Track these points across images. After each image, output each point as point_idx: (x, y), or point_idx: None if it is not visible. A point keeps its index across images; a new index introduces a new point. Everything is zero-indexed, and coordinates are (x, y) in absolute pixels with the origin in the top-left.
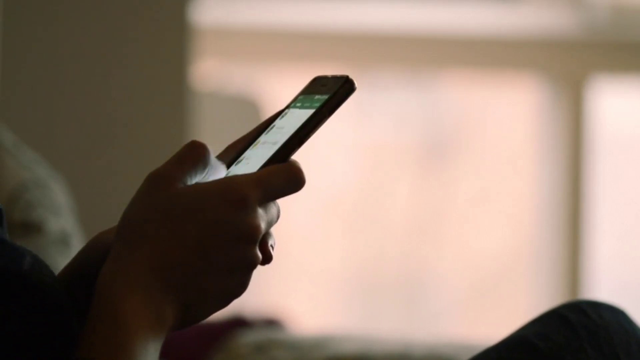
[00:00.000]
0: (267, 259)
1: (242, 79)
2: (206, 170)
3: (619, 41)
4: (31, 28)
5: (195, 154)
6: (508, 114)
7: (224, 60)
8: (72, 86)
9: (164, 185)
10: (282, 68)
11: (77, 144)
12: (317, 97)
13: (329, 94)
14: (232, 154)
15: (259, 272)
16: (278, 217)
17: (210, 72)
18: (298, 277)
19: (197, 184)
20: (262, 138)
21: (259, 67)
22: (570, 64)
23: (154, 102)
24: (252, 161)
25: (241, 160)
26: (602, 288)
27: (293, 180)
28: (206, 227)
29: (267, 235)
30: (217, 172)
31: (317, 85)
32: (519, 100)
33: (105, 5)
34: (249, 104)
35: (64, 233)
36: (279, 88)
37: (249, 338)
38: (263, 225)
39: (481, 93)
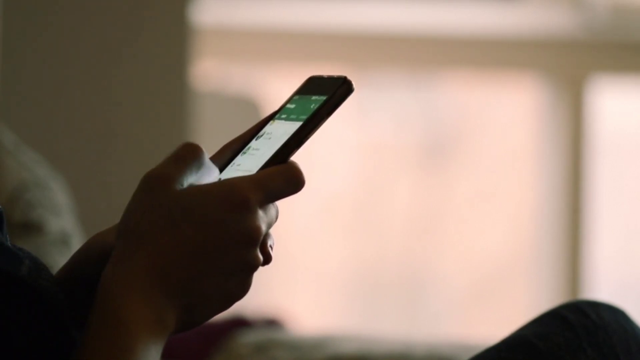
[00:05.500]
0: (267, 259)
1: (242, 79)
2: (200, 170)
3: (619, 41)
4: (31, 28)
5: (191, 154)
6: (508, 114)
7: (224, 60)
8: (72, 86)
9: (161, 186)
10: (282, 68)
11: (77, 144)
12: (314, 97)
13: (327, 95)
14: (227, 154)
15: (260, 272)
16: (277, 217)
17: (210, 72)
18: (298, 277)
19: (197, 185)
20: (259, 139)
21: (259, 67)
22: (570, 64)
23: (154, 102)
24: (249, 162)
25: (237, 161)
26: (602, 288)
27: (293, 182)
28: (207, 229)
29: (266, 236)
30: (211, 173)
31: (313, 85)
32: (519, 100)
33: (105, 5)
34: (248, 104)
35: (64, 233)
36: (279, 88)
37: (249, 338)
38: (263, 227)
39: (481, 93)
